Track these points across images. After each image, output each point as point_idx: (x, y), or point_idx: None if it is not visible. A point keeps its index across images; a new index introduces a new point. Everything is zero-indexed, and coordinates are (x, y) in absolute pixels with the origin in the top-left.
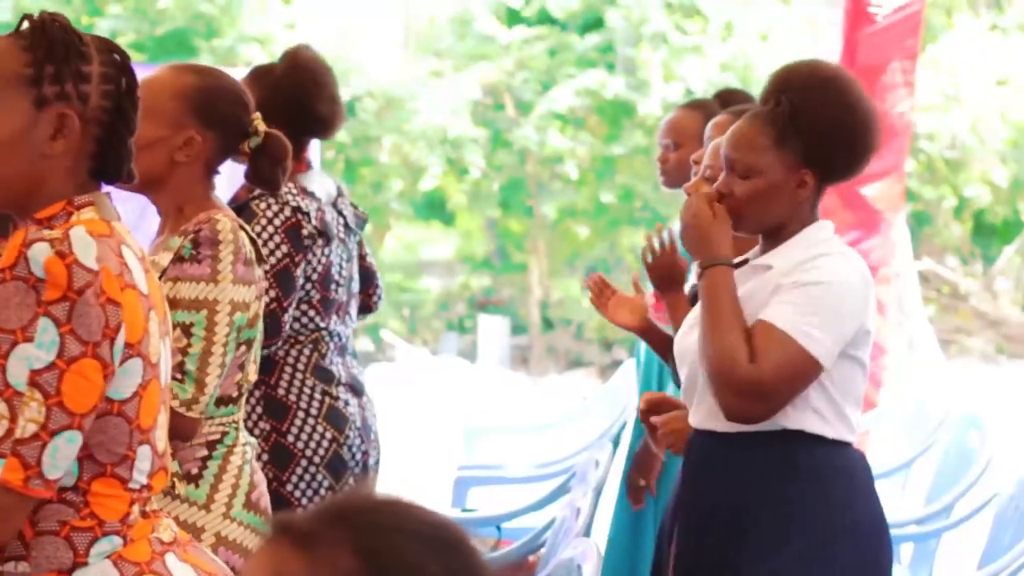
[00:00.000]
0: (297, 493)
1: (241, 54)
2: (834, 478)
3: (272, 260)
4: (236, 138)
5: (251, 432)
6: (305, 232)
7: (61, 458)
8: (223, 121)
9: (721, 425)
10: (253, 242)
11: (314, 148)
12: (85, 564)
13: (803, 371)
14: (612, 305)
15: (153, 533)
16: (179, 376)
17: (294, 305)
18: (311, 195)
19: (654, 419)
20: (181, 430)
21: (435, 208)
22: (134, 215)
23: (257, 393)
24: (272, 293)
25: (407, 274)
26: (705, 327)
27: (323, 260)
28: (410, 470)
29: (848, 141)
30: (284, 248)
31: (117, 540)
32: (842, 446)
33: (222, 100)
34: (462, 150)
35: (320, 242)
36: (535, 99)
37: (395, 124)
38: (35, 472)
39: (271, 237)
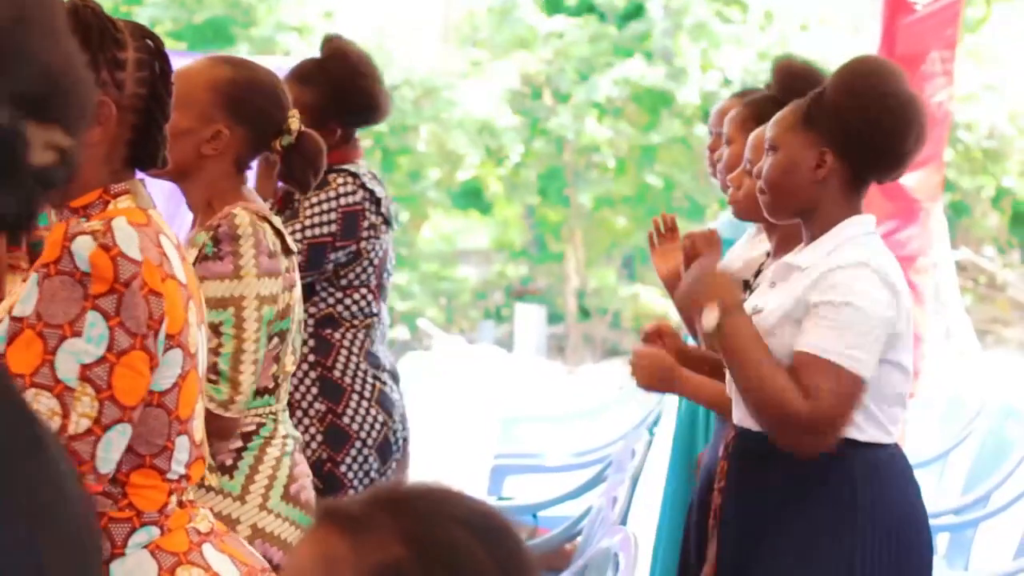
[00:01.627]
0: (350, 475)
1: (279, 43)
2: (865, 481)
3: (315, 232)
4: (268, 135)
5: (306, 413)
6: (366, 223)
7: (114, 451)
8: (254, 117)
9: (757, 425)
10: (279, 233)
11: None
12: (123, 555)
13: (855, 393)
14: (662, 251)
15: (190, 523)
16: (213, 377)
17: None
18: (380, 182)
19: (634, 347)
20: (220, 430)
21: (472, 197)
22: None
23: (313, 374)
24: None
25: (444, 263)
26: (745, 377)
27: (383, 247)
28: (446, 458)
29: (877, 132)
30: (332, 228)
31: (154, 530)
32: (875, 447)
33: (255, 95)
34: (500, 139)
35: (383, 228)
36: (573, 88)
37: (433, 113)
38: (88, 467)
39: (327, 212)
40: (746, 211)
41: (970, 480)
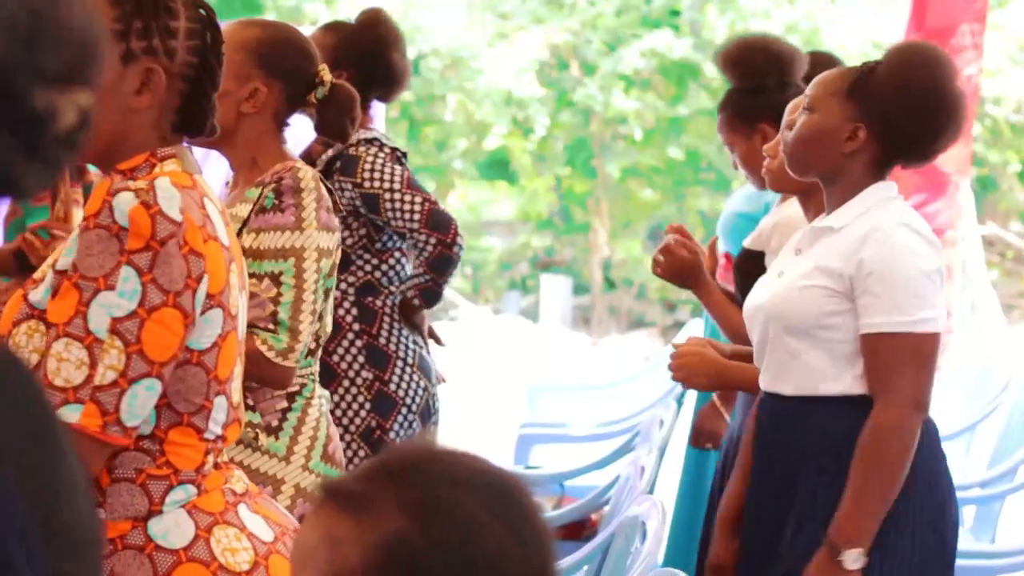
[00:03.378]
0: (398, 441)
1: (306, 12)
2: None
3: (395, 184)
4: (302, 88)
5: (353, 382)
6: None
7: (139, 406)
8: (288, 71)
9: (787, 388)
10: (331, 192)
11: (378, 107)
12: (160, 512)
13: (933, 354)
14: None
15: (226, 484)
16: (272, 326)
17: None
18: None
19: (675, 343)
20: (276, 379)
21: (499, 168)
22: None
23: (359, 343)
24: (417, 213)
25: (470, 233)
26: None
27: None
28: (473, 427)
29: (916, 121)
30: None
31: (192, 489)
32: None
33: (286, 51)
34: (527, 110)
35: None
36: (600, 60)
37: (459, 83)
38: (113, 419)
39: (390, 170)
40: (780, 181)
41: (997, 453)
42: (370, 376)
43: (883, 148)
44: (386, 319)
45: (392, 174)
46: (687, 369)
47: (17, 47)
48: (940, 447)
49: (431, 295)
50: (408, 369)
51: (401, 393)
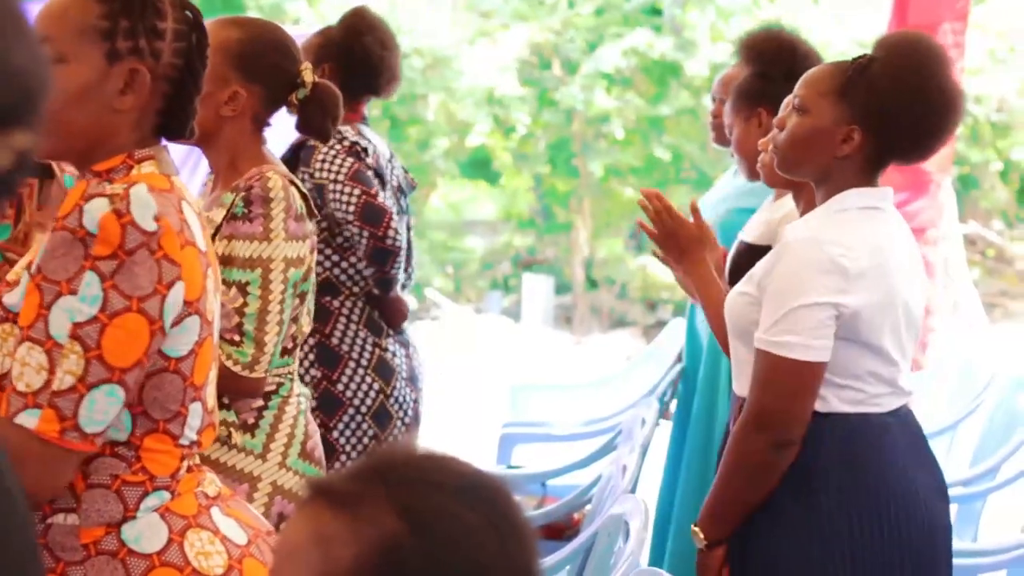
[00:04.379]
0: (343, 440)
1: (288, 11)
2: (835, 446)
3: (340, 176)
4: (283, 90)
5: (302, 379)
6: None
7: (99, 412)
8: (267, 74)
9: (740, 390)
10: (304, 196)
11: None
12: (134, 518)
13: (790, 378)
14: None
15: (198, 487)
16: (238, 338)
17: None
18: (367, 139)
19: (666, 205)
20: (246, 391)
21: (481, 167)
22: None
23: (311, 341)
24: (353, 205)
25: (452, 233)
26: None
27: None
28: (455, 427)
29: (913, 117)
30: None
31: (166, 495)
32: (843, 417)
33: (265, 53)
34: (508, 109)
35: (377, 183)
36: (581, 59)
37: (442, 83)
38: (71, 424)
39: (340, 161)
40: (773, 176)
41: (979, 452)
42: (318, 375)
43: (878, 149)
44: (342, 319)
45: (340, 165)
46: (671, 233)
47: None
48: (892, 452)
49: (383, 282)
50: (361, 371)
51: (349, 394)
